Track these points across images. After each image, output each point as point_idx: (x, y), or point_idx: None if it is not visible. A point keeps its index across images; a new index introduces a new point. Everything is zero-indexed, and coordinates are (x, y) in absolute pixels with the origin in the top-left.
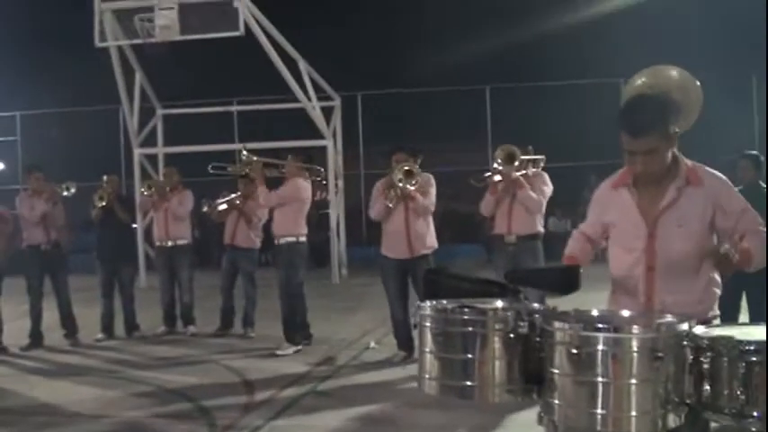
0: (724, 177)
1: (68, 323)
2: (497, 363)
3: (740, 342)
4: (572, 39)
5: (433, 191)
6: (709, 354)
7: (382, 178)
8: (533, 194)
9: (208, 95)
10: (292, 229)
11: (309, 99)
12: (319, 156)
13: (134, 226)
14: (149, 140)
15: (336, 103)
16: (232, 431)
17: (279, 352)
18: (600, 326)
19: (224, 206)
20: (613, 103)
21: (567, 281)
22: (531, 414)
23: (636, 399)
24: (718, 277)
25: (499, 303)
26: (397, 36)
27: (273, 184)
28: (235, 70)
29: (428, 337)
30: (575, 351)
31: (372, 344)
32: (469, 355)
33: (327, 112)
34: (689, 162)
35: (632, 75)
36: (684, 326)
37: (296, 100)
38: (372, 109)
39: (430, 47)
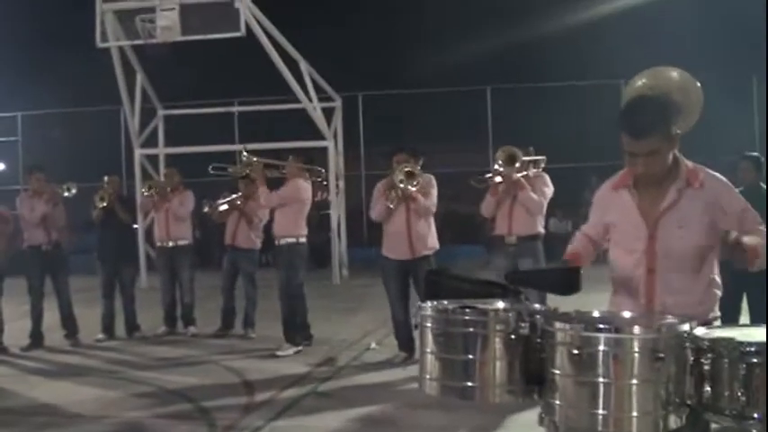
0: (724, 179)
1: (69, 323)
2: (498, 363)
3: (741, 343)
4: (573, 40)
5: (435, 192)
6: (709, 355)
7: (383, 179)
8: (534, 195)
9: (209, 96)
10: (292, 230)
11: (310, 100)
12: (320, 156)
13: (135, 226)
14: (150, 141)
15: (337, 103)
16: None
17: (279, 353)
18: (601, 326)
19: (225, 207)
20: (614, 104)
21: (568, 282)
22: (532, 415)
23: (637, 399)
24: (718, 279)
25: (500, 304)
26: (398, 37)
27: (274, 184)
28: (236, 71)
29: (429, 337)
30: (576, 352)
31: (373, 345)
32: (470, 356)
33: (328, 113)
34: (689, 163)
35: (633, 76)
36: (685, 327)
37: (297, 101)
38: (373, 109)
39: (431, 47)
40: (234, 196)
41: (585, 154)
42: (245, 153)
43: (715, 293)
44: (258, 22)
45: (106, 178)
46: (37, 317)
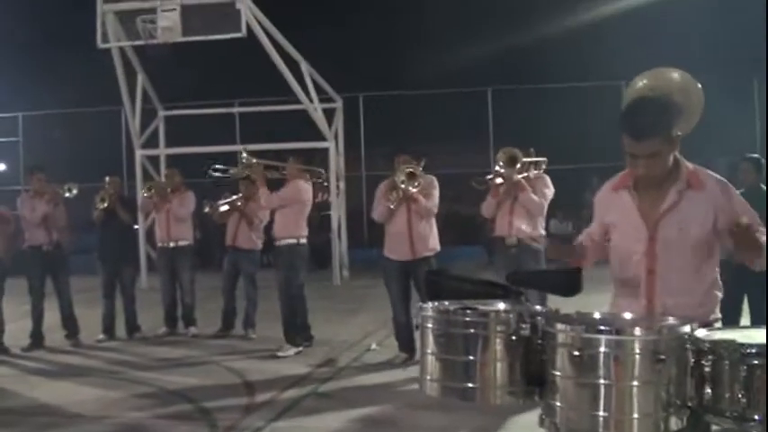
0: (725, 180)
1: (70, 324)
2: (499, 364)
3: (742, 345)
4: (573, 41)
5: (437, 193)
6: (710, 357)
7: (384, 180)
8: (535, 197)
9: (210, 97)
10: (293, 231)
11: (311, 101)
12: (321, 157)
13: (135, 227)
14: (151, 142)
15: (338, 104)
16: None
17: (280, 353)
18: (602, 328)
19: (225, 207)
20: (615, 105)
21: (570, 283)
22: (532, 416)
23: (638, 401)
24: (719, 280)
25: (501, 305)
26: (399, 38)
27: (275, 185)
28: (237, 72)
29: (430, 338)
30: (577, 353)
31: (373, 345)
32: (471, 357)
33: (329, 114)
34: (690, 165)
35: (634, 77)
36: (686, 328)
37: (298, 101)
38: (374, 110)
39: (432, 49)
40: (235, 197)
41: (586, 155)
42: (244, 154)
43: (716, 295)
44: (259, 22)
45: (107, 179)
46: (37, 317)
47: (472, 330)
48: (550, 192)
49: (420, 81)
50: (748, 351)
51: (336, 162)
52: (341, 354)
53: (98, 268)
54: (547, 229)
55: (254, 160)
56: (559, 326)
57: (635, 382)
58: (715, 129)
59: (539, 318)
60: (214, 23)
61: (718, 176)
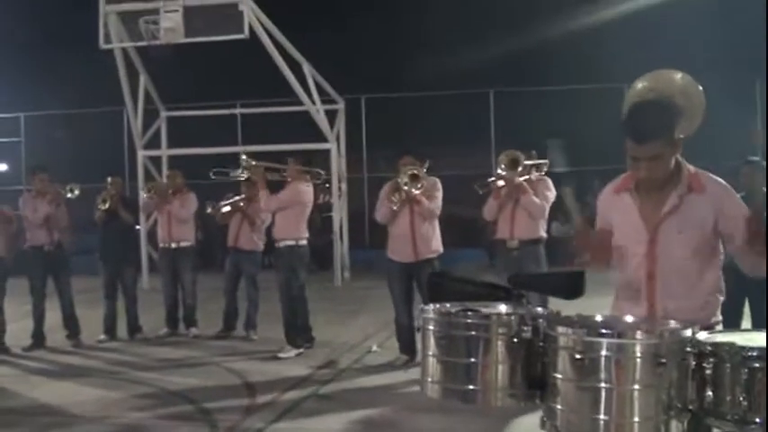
0: (726, 184)
1: (71, 324)
2: (500, 367)
3: (743, 348)
4: (575, 44)
5: (440, 195)
6: (711, 360)
7: (386, 182)
8: (536, 200)
9: (212, 98)
10: (293, 233)
11: (313, 102)
12: (323, 159)
13: (137, 228)
14: (153, 142)
15: (340, 106)
16: None
17: (281, 355)
18: (603, 331)
19: (227, 208)
20: (616, 108)
21: (572, 286)
22: (533, 418)
23: (639, 405)
24: (721, 283)
25: (503, 308)
26: (401, 40)
27: (277, 187)
28: (239, 73)
29: (431, 340)
30: (578, 356)
31: (374, 347)
32: (472, 359)
33: (331, 116)
34: (691, 168)
35: (635, 80)
36: (687, 332)
37: (300, 103)
38: (376, 112)
39: (434, 51)
40: (237, 198)
41: (588, 158)
42: (244, 157)
43: (717, 298)
44: (261, 24)
45: (109, 179)
46: (39, 317)
47: (474, 333)
48: (552, 194)
49: (422, 83)
50: (749, 354)
51: (338, 164)
52: (342, 355)
53: (99, 269)
54: (548, 231)
55: (254, 162)
56: (561, 329)
57: (636, 386)
58: (717, 132)
59: (540, 320)
60: (217, 25)
61: (720, 180)
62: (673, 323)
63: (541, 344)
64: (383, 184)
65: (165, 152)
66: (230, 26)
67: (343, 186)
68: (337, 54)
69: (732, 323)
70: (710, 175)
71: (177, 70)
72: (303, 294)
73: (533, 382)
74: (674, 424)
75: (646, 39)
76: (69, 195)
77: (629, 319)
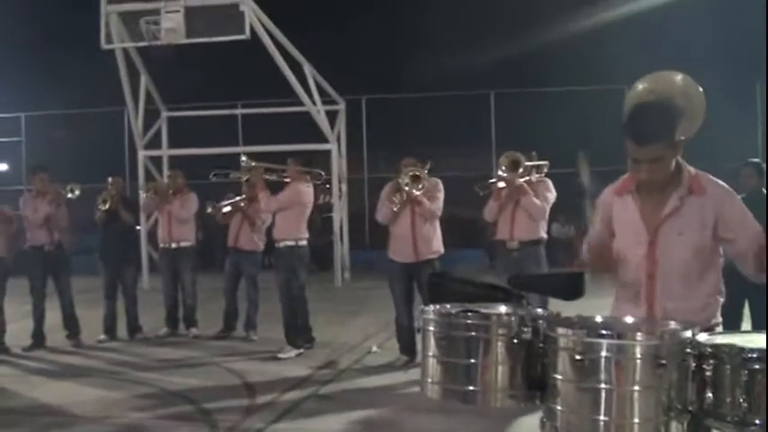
0: (726, 186)
1: (71, 324)
2: (500, 368)
3: (743, 349)
4: (576, 45)
5: (441, 196)
6: (711, 361)
7: (387, 182)
8: (537, 201)
9: (213, 98)
10: (293, 233)
11: (314, 103)
12: (323, 160)
13: (137, 228)
14: (154, 143)
15: (341, 106)
16: None
17: (281, 355)
18: (603, 332)
19: (228, 208)
20: (617, 109)
21: (572, 287)
22: (533, 419)
23: (638, 406)
24: (721, 285)
25: (503, 308)
26: (402, 41)
27: (277, 188)
28: (240, 73)
29: (431, 341)
30: (578, 357)
31: (374, 348)
32: (472, 360)
33: (332, 116)
34: (692, 170)
35: (635, 81)
36: (687, 333)
37: (300, 103)
38: (377, 113)
39: (434, 52)
40: (237, 198)
41: (588, 159)
42: (243, 158)
43: (717, 300)
44: (263, 24)
45: (110, 179)
46: (39, 317)
47: (474, 333)
48: (552, 195)
49: (423, 84)
50: (749, 355)
51: (339, 164)
52: (342, 356)
53: (100, 269)
54: (548, 232)
55: (253, 163)
56: (561, 330)
57: (636, 387)
58: (717, 133)
59: (540, 321)
60: (218, 25)
61: (721, 183)
62: (673, 324)
63: (541, 345)
64: (383, 184)
65: (165, 152)
66: (231, 27)
67: (344, 187)
68: (338, 55)
69: (732, 325)
70: (711, 177)
71: (178, 71)
72: (303, 295)
73: (533, 382)
74: (673, 425)
75: (646, 40)
76: (70, 195)
77: (629, 320)
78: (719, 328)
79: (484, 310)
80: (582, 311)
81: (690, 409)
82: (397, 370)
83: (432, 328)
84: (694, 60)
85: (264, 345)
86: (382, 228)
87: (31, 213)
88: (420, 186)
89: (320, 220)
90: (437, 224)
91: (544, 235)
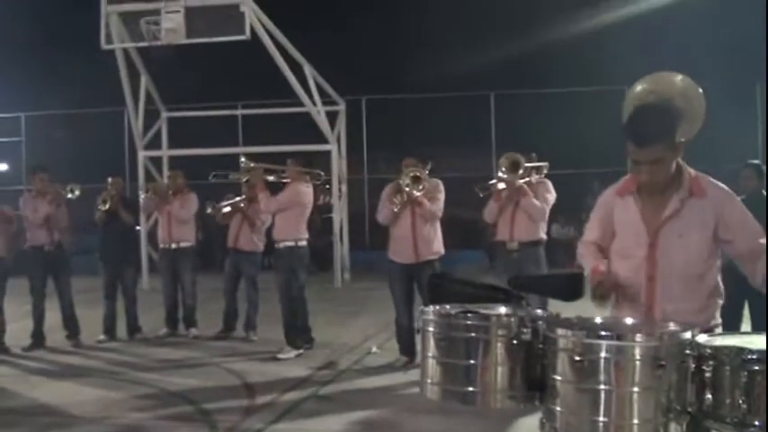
0: (727, 188)
1: (71, 324)
2: (500, 369)
3: (742, 351)
4: (576, 46)
5: (442, 197)
6: (711, 362)
7: (387, 183)
8: (536, 202)
9: (213, 99)
10: (292, 234)
11: (314, 103)
12: (323, 160)
13: (137, 228)
14: (154, 143)
15: (341, 107)
16: None
17: (280, 355)
18: (603, 333)
19: (227, 208)
20: (617, 110)
21: (572, 288)
22: (533, 420)
23: (638, 407)
24: (721, 286)
25: (502, 309)
26: (402, 41)
27: (277, 188)
28: (240, 74)
29: (431, 342)
30: (577, 358)
31: (374, 348)
32: (472, 361)
33: (332, 117)
34: (692, 171)
35: (635, 82)
36: (687, 334)
37: (301, 104)
38: (377, 114)
39: (434, 53)
40: (237, 199)
41: (588, 160)
42: (243, 159)
43: (716, 302)
44: (263, 25)
45: (109, 180)
46: (39, 317)
47: (473, 334)
48: (552, 196)
49: (423, 85)
50: (749, 357)
51: (339, 165)
52: (341, 356)
53: (99, 269)
54: (548, 233)
55: (252, 164)
56: (560, 331)
57: (635, 388)
58: (717, 135)
59: (540, 322)
60: (218, 26)
61: (721, 185)
62: (672, 325)
63: (541, 346)
64: (383, 185)
65: (165, 153)
66: (231, 27)
67: (344, 188)
68: (338, 55)
69: (732, 326)
70: (711, 179)
71: (178, 71)
72: (303, 295)
73: (533, 383)
74: (673, 426)
75: (646, 41)
76: (70, 196)
77: (628, 321)
78: (719, 330)
79: (483, 311)
80: (581, 312)
81: (689, 410)
82: (396, 371)
83: (431, 329)
84: (694, 61)
85: (264, 345)
86: (382, 228)
87: (31, 213)
88: (420, 187)
89: (320, 221)
90: (438, 225)
91: (544, 236)
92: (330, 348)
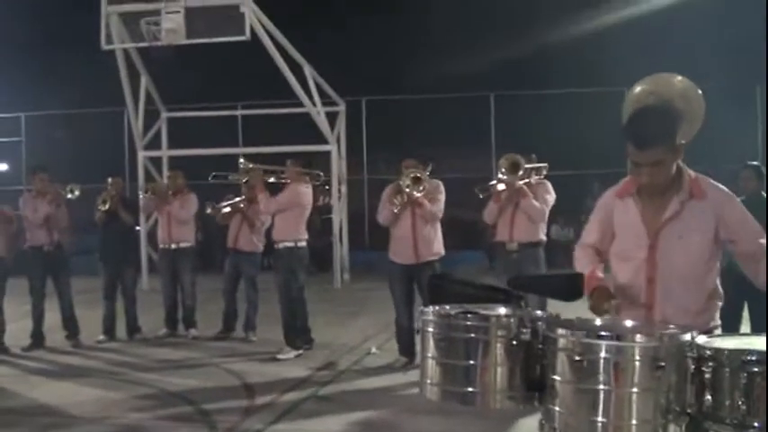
0: (727, 189)
1: (70, 324)
2: (499, 369)
3: (742, 352)
4: (576, 47)
5: (442, 198)
6: (710, 364)
7: (388, 184)
8: (536, 203)
9: (213, 99)
10: (292, 234)
11: (314, 104)
12: (323, 161)
13: (137, 228)
14: (154, 143)
15: (341, 108)
16: None
17: (280, 356)
18: (602, 334)
19: (227, 209)
20: (617, 112)
21: (571, 288)
22: (532, 421)
23: (637, 408)
24: (720, 288)
25: (502, 310)
26: (402, 42)
27: (277, 189)
28: (240, 74)
29: (431, 342)
30: (577, 358)
31: (374, 349)
32: (472, 362)
33: (332, 118)
34: (692, 173)
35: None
36: (687, 335)
37: (300, 105)
38: (377, 114)
39: (434, 54)
40: (237, 199)
41: (588, 161)
42: (241, 160)
43: (715, 304)
44: (263, 26)
45: (109, 180)
46: (38, 317)
47: (473, 335)
48: (552, 197)
49: (423, 86)
50: (748, 358)
51: (338, 166)
52: (341, 357)
53: (99, 269)
54: (548, 234)
55: (251, 166)
56: (560, 331)
57: (635, 389)
58: (717, 136)
59: (539, 323)
60: (218, 26)
61: (722, 186)
62: (672, 327)
63: (540, 346)
64: (383, 186)
65: (165, 153)
66: (232, 28)
67: (344, 188)
68: (338, 56)
69: (731, 327)
70: (711, 180)
71: (178, 71)
72: (302, 296)
73: (532, 384)
74: (672, 427)
75: (646, 43)
76: (69, 196)
77: (628, 322)
78: (718, 332)
79: (483, 312)
80: (581, 314)
81: (688, 411)
82: (396, 371)
83: (431, 330)
84: (694, 63)
85: (264, 346)
86: (382, 229)
87: (31, 213)
88: (421, 188)
89: (320, 222)
90: (438, 226)
91: (543, 237)
92: (330, 349)
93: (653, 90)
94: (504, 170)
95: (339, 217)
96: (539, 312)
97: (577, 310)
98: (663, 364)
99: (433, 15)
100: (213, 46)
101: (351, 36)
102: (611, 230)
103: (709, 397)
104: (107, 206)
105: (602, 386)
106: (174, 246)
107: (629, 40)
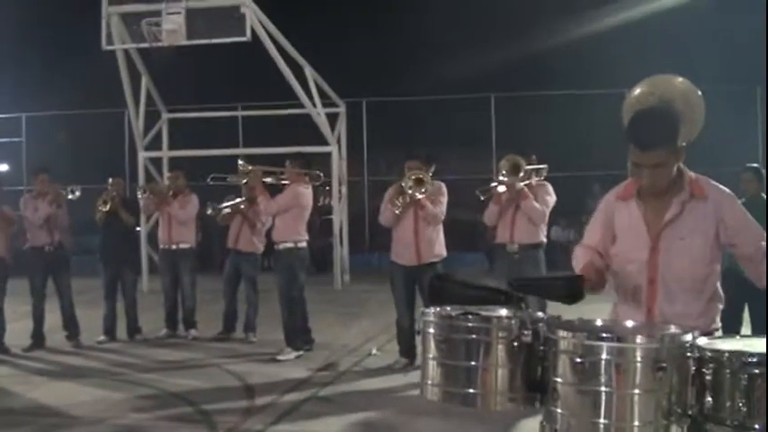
0: (728, 190)
1: (71, 325)
2: (500, 371)
3: (743, 354)
4: (576, 49)
5: (444, 199)
6: (711, 365)
7: (389, 185)
8: (537, 205)
9: (213, 100)
10: (291, 235)
11: (315, 105)
12: (323, 162)
13: (138, 229)
14: (154, 144)
15: (341, 109)
16: None
17: (280, 357)
18: (604, 335)
19: (228, 210)
20: (617, 113)
21: (572, 290)
22: (533, 422)
23: (638, 409)
24: (720, 290)
25: (503, 311)
26: (403, 43)
27: (277, 190)
28: (241, 75)
29: (431, 343)
30: (578, 360)
31: (374, 350)
32: (472, 363)
33: (332, 119)
34: (693, 174)
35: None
36: (688, 337)
37: (301, 106)
38: (377, 116)
39: (435, 55)
40: (237, 200)
41: (588, 163)
42: (240, 162)
43: (716, 306)
44: (264, 27)
45: (110, 180)
46: (38, 318)
47: (474, 336)
48: (552, 199)
49: (423, 87)
50: (749, 360)
51: (339, 167)
52: (341, 358)
53: (100, 270)
54: (548, 236)
55: (250, 167)
56: (561, 332)
57: (636, 390)
58: (718, 138)
59: (541, 324)
60: (219, 27)
61: (722, 187)
62: (673, 328)
63: (542, 347)
64: (384, 187)
65: (166, 154)
66: (232, 28)
67: (344, 189)
68: (339, 57)
69: (732, 329)
70: (712, 181)
71: (179, 72)
72: (302, 296)
73: (533, 385)
74: (673, 429)
75: (647, 45)
76: (70, 196)
77: (629, 323)
78: (719, 334)
79: (484, 313)
80: (582, 315)
81: (689, 413)
82: (396, 372)
83: (432, 331)
84: (694, 64)
85: (264, 346)
86: (382, 230)
87: (32, 214)
88: (423, 189)
89: (320, 222)
90: (440, 228)
91: (544, 238)
92: (330, 350)
93: (653, 92)
94: (504, 172)
95: (339, 218)
96: (540, 314)
97: (578, 312)
98: (664, 365)
99: (433, 17)
100: (214, 47)
101: (351, 37)
102: (612, 232)
103: (709, 399)
104: (108, 207)
105: (603, 388)
106: (174, 246)
107: (630, 41)
